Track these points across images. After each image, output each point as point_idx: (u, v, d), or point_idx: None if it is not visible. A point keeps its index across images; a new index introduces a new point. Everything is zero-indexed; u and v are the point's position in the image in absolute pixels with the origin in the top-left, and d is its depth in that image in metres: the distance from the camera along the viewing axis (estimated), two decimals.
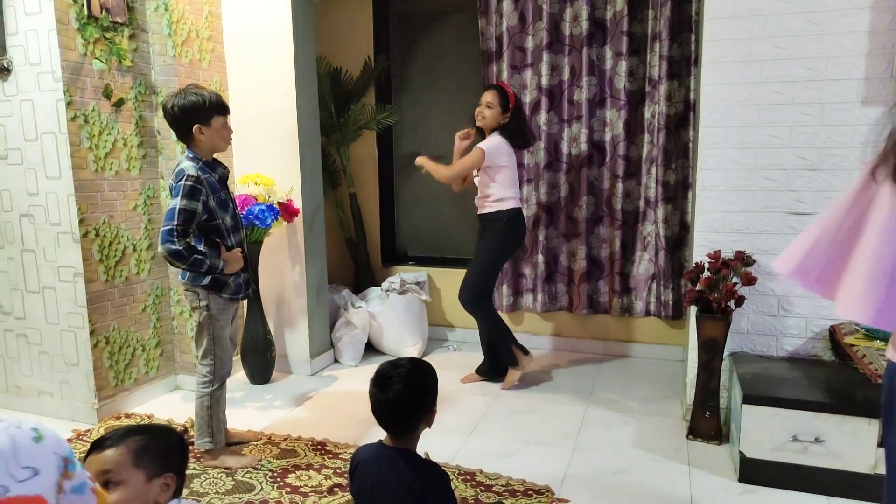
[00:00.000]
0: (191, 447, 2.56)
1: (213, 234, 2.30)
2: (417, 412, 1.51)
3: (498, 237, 3.10)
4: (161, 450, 1.22)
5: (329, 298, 3.71)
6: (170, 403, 3.11)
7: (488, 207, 3.08)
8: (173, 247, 2.15)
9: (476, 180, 3.14)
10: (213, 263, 2.25)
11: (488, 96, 3.02)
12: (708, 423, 2.57)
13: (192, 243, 2.24)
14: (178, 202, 2.18)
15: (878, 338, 2.31)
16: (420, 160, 3.16)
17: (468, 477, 2.32)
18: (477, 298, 3.14)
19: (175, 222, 2.16)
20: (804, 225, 2.52)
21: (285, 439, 2.64)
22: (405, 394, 1.48)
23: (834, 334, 2.48)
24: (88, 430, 2.76)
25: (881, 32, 2.36)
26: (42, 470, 0.89)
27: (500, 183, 3.04)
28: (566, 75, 3.48)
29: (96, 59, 2.80)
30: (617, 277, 3.56)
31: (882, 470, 2.11)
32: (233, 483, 2.32)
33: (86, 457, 1.18)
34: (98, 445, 1.20)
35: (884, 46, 2.36)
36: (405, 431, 1.52)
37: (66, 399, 2.92)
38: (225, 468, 2.41)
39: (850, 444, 2.14)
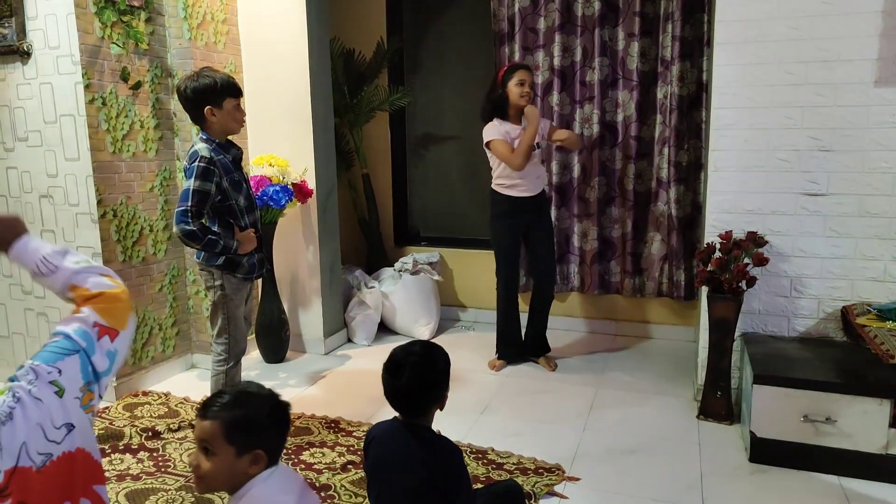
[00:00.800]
0: None
1: (226, 214, 2.33)
2: (429, 397, 1.54)
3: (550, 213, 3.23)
4: (254, 425, 1.25)
5: (342, 278, 3.75)
6: (186, 381, 3.18)
7: (544, 187, 3.15)
8: (188, 227, 2.19)
9: (536, 156, 3.06)
10: (227, 244, 2.28)
11: (530, 76, 3.01)
12: (719, 403, 2.59)
13: (207, 224, 2.28)
14: (191, 183, 2.21)
15: (891, 319, 2.31)
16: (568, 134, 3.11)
17: (480, 455, 2.36)
18: None
19: (189, 203, 2.19)
20: (817, 206, 2.52)
21: (299, 417, 2.70)
22: (417, 380, 1.50)
23: (846, 315, 2.48)
24: (107, 408, 2.83)
25: (895, 12, 2.33)
26: (76, 423, 0.94)
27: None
28: (578, 56, 3.46)
29: (114, 42, 2.83)
30: (629, 258, 3.57)
31: (893, 450, 2.13)
32: None
33: (196, 413, 1.28)
34: (203, 409, 1.27)
35: None
36: (417, 414, 1.55)
37: None
38: None
39: (861, 424, 2.15)
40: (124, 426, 2.63)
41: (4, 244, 1.13)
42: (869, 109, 2.41)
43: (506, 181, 3.06)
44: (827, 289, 2.55)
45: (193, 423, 2.39)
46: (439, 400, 1.55)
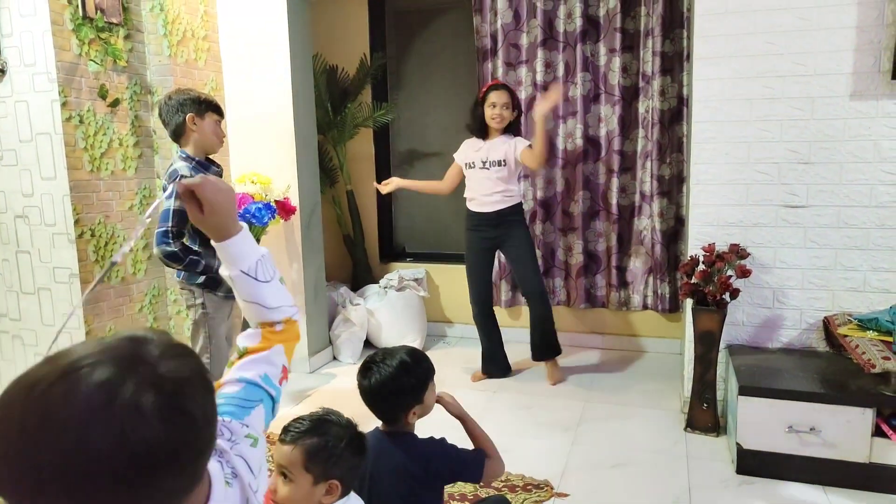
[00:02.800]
0: None
1: None
2: (399, 402, 1.51)
3: (526, 227, 3.22)
4: (332, 455, 1.25)
5: (327, 296, 3.72)
6: None
7: (513, 200, 3.14)
8: (169, 248, 2.17)
9: (490, 175, 3.08)
10: (209, 263, 2.26)
11: (503, 97, 3.02)
12: (705, 416, 2.59)
13: (188, 243, 2.25)
14: (171, 203, 2.19)
15: (871, 328, 2.33)
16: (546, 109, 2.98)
17: None
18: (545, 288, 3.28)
19: (169, 224, 2.18)
20: (797, 217, 2.55)
21: (279, 436, 2.64)
22: (386, 383, 1.48)
23: (828, 325, 2.51)
24: None
25: (868, 28, 2.38)
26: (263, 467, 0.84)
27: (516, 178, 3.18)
28: (561, 72, 3.49)
29: (91, 59, 2.80)
30: (614, 271, 3.58)
31: (876, 459, 2.15)
32: None
33: (278, 438, 1.27)
34: (284, 433, 1.27)
35: (871, 41, 2.39)
36: (391, 418, 1.53)
37: None
38: None
39: (844, 433, 2.16)
40: None
41: (226, 229, 0.92)
42: (845, 122, 2.46)
43: (468, 194, 3.20)
44: (808, 300, 2.58)
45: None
46: (412, 406, 1.52)
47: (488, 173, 3.08)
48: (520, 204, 3.17)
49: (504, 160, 3.05)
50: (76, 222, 2.76)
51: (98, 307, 2.88)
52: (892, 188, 2.44)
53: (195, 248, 2.31)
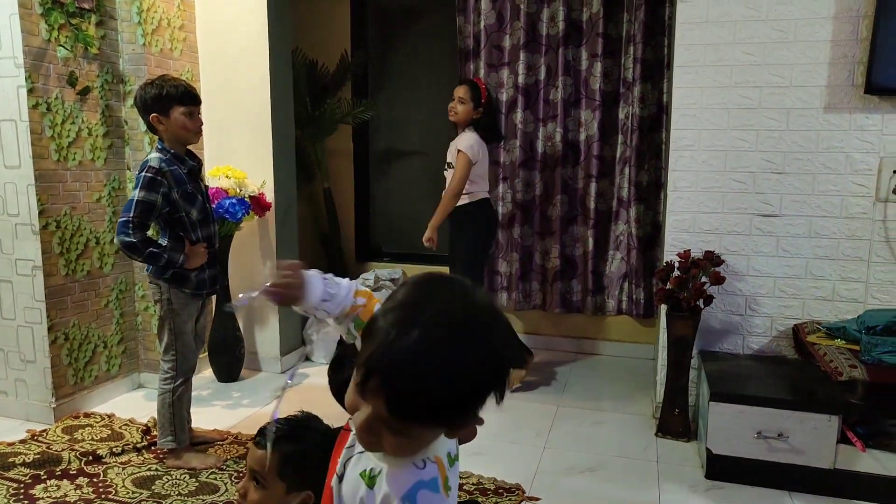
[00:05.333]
0: (153, 447, 2.50)
1: (177, 226, 2.27)
2: None
3: (473, 229, 3.06)
4: (309, 464, 1.18)
5: None
6: (132, 402, 3.03)
7: (461, 200, 3.02)
8: (128, 239, 2.13)
9: (447, 174, 3.07)
10: (172, 258, 2.21)
11: (460, 91, 2.99)
12: (677, 421, 2.61)
13: (155, 236, 2.21)
14: (136, 194, 2.16)
15: (839, 337, 2.37)
16: (430, 234, 3.03)
17: (462, 482, 2.31)
18: None
19: (131, 214, 2.13)
20: (770, 226, 2.58)
21: (252, 438, 2.59)
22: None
23: (797, 333, 2.54)
24: (45, 431, 2.67)
25: (843, 42, 2.43)
26: None
27: (470, 177, 3.01)
28: (542, 75, 3.49)
29: (61, 45, 2.71)
30: (590, 276, 3.59)
31: (841, 465, 2.18)
32: (196, 484, 2.26)
33: (253, 438, 1.24)
34: (259, 436, 1.22)
35: (845, 55, 2.43)
36: None
37: (21, 398, 2.82)
38: (189, 469, 2.35)
39: (811, 440, 2.20)
40: (62, 450, 2.47)
41: (295, 299, 0.96)
42: (819, 134, 2.50)
43: (481, 184, 3.07)
44: (779, 307, 2.61)
45: (168, 450, 2.27)
46: None
47: (447, 173, 3.06)
48: (468, 204, 3.02)
49: (452, 162, 3.02)
50: (41, 213, 2.67)
51: (61, 301, 2.78)
52: (862, 200, 2.48)
53: (164, 241, 2.26)
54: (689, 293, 2.51)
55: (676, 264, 2.58)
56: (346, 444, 0.85)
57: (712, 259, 2.56)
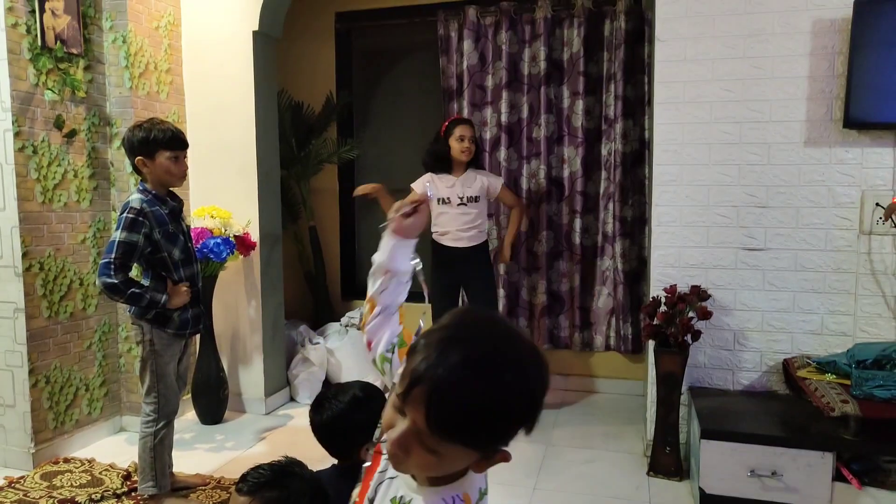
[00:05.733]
0: (134, 493, 2.43)
1: (159, 266, 2.26)
2: (352, 434, 1.47)
3: (492, 266, 3.26)
4: None
5: (286, 334, 3.62)
6: (114, 446, 2.95)
7: (484, 237, 3.18)
8: (109, 280, 2.11)
9: (468, 210, 3.10)
10: (154, 298, 2.19)
11: (470, 131, 3.08)
12: (668, 459, 2.55)
13: (138, 276, 2.20)
14: (118, 235, 2.16)
15: (830, 371, 2.35)
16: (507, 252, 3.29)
17: None
18: None
19: (113, 255, 2.13)
20: (756, 260, 2.58)
21: (235, 483, 2.52)
22: (338, 416, 1.46)
23: (787, 368, 2.51)
24: (22, 477, 2.59)
25: (820, 78, 2.47)
26: None
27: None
28: (525, 113, 3.54)
29: (48, 89, 2.73)
30: (577, 312, 3.57)
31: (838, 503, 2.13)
32: None
33: (236, 484, 1.21)
34: (241, 482, 1.18)
35: (823, 91, 2.47)
36: (344, 454, 1.49)
37: (0, 443, 2.75)
38: None
39: (805, 478, 2.15)
40: (40, 497, 2.40)
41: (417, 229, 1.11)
42: (800, 168, 2.52)
43: (439, 229, 3.16)
44: (768, 342, 2.59)
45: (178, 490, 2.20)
46: (364, 442, 1.46)
47: (465, 209, 3.09)
48: (487, 241, 3.19)
49: (479, 196, 3.09)
50: (24, 255, 2.65)
51: (43, 344, 2.74)
52: (846, 233, 2.49)
53: (146, 282, 2.24)
54: (677, 328, 2.49)
55: (663, 299, 2.56)
56: (378, 469, 0.87)
57: (699, 293, 2.54)
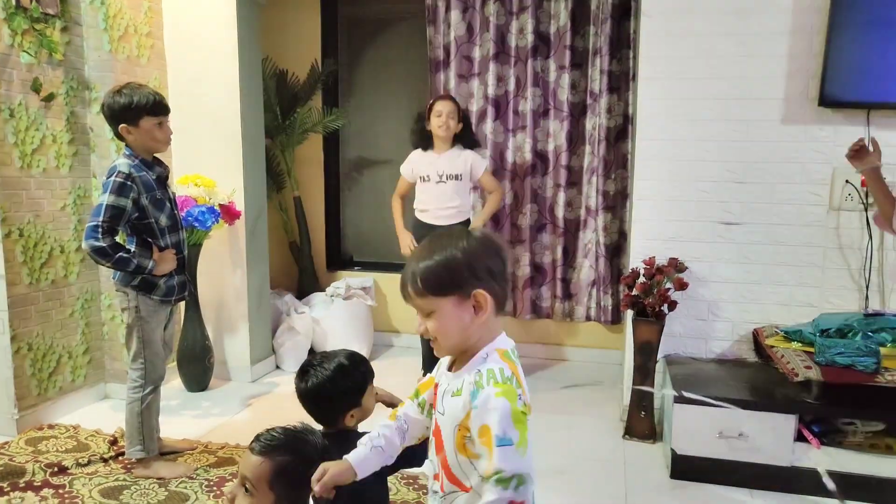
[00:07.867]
0: (121, 457, 2.46)
1: (145, 233, 2.25)
2: (337, 401, 1.50)
3: None
4: (301, 478, 1.15)
5: (271, 304, 3.64)
6: (98, 413, 2.97)
7: (465, 215, 3.17)
8: (97, 243, 2.10)
9: (447, 189, 3.09)
10: (142, 263, 2.19)
11: (449, 106, 3.06)
12: (643, 423, 2.67)
13: (122, 241, 2.19)
14: (105, 198, 2.13)
15: (796, 339, 2.46)
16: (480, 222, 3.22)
17: (411, 481, 2.32)
18: None
19: (101, 218, 2.11)
20: (732, 234, 2.67)
21: (223, 447, 2.56)
22: (323, 382, 1.48)
23: (757, 337, 2.63)
24: (7, 443, 2.60)
25: (799, 56, 2.53)
26: None
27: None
28: (511, 86, 3.56)
29: (24, 51, 2.67)
30: (559, 283, 3.65)
31: (798, 463, 2.26)
32: (166, 494, 2.23)
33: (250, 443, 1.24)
34: (255, 441, 1.20)
35: (801, 69, 2.54)
36: (329, 421, 1.51)
37: None
38: (157, 478, 2.32)
39: (769, 439, 2.27)
40: (26, 462, 2.42)
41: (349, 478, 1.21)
42: (777, 145, 2.60)
43: (420, 206, 3.18)
44: (740, 312, 2.70)
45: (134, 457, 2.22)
46: (349, 409, 1.51)
47: (444, 187, 3.09)
48: (469, 220, 3.19)
49: (460, 175, 3.09)
50: (3, 220, 2.61)
51: (25, 311, 2.72)
52: (816, 208, 2.59)
53: (132, 247, 2.24)
54: (654, 299, 2.58)
55: (642, 271, 2.65)
56: (439, 388, 1.20)
57: (676, 266, 2.63)
